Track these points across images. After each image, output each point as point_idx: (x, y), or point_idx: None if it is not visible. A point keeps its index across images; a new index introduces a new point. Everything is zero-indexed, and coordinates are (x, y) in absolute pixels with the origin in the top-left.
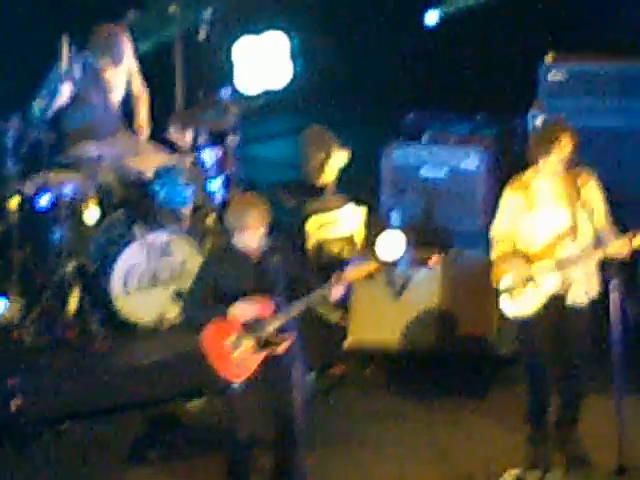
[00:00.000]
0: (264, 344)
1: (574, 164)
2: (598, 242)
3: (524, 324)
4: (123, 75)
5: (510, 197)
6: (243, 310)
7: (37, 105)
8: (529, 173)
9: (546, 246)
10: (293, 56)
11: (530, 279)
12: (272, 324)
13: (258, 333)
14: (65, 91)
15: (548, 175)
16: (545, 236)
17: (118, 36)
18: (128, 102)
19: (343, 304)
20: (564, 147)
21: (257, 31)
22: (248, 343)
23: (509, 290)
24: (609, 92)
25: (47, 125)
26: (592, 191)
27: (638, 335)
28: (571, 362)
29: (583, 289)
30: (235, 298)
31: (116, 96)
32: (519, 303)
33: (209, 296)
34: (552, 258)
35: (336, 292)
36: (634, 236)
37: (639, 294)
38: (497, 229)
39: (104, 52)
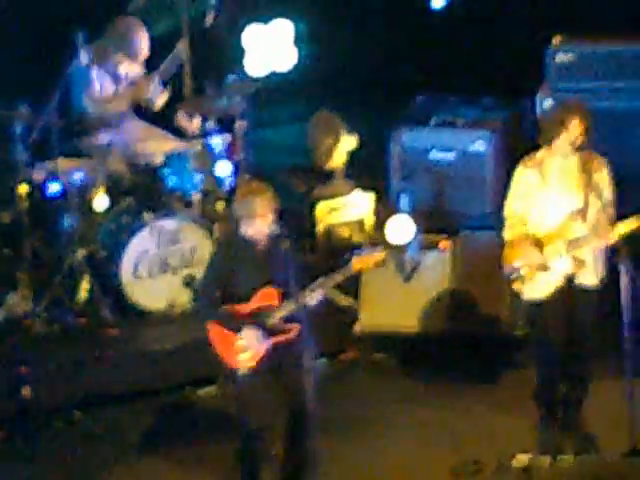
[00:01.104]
0: (270, 332)
1: (588, 147)
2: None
3: (534, 305)
4: (138, 68)
5: (524, 174)
6: (252, 333)
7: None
8: (542, 152)
9: (557, 227)
10: (299, 42)
11: (542, 267)
12: (279, 313)
13: (264, 322)
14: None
15: (560, 156)
16: (556, 216)
17: (135, 31)
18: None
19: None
20: (573, 128)
21: (264, 20)
22: (253, 332)
23: (520, 276)
24: (618, 74)
25: (57, 112)
26: (603, 178)
27: None
28: (580, 343)
29: (592, 270)
30: (244, 286)
31: (128, 86)
32: (530, 287)
33: (220, 286)
34: (562, 239)
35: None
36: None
37: None
38: (510, 207)
39: (120, 47)
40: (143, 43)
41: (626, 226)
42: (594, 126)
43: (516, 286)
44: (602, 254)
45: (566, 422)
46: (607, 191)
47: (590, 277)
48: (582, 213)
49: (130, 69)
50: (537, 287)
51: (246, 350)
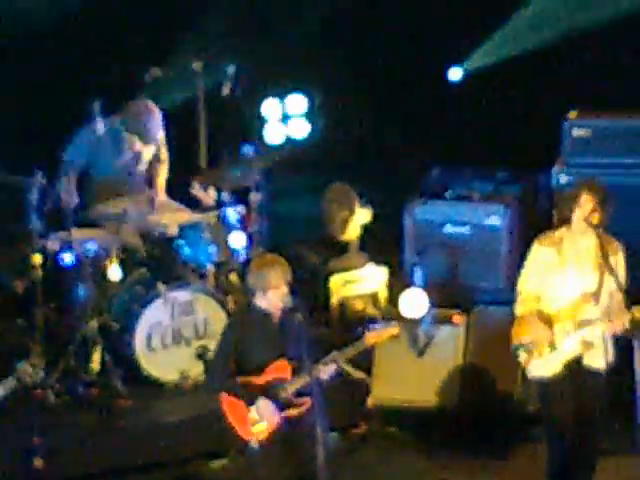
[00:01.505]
0: (283, 406)
1: (605, 228)
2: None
3: (544, 384)
4: (151, 149)
5: (540, 252)
6: (266, 405)
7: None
8: (561, 231)
9: (569, 306)
10: (314, 114)
11: (552, 345)
12: (291, 386)
13: (277, 395)
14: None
15: (578, 235)
16: (569, 296)
17: (150, 115)
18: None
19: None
20: (585, 203)
21: (281, 94)
22: (266, 405)
23: (528, 352)
24: (633, 149)
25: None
26: (619, 262)
27: None
28: (589, 423)
29: (601, 354)
30: (258, 359)
31: (142, 163)
32: (537, 365)
33: (233, 359)
34: (573, 319)
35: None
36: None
37: None
38: (524, 283)
39: (134, 129)
40: (156, 127)
41: (638, 312)
42: (610, 202)
43: (522, 362)
44: (611, 338)
45: None
46: (622, 275)
47: (598, 360)
48: (595, 295)
49: (143, 149)
50: (543, 365)
51: (259, 422)
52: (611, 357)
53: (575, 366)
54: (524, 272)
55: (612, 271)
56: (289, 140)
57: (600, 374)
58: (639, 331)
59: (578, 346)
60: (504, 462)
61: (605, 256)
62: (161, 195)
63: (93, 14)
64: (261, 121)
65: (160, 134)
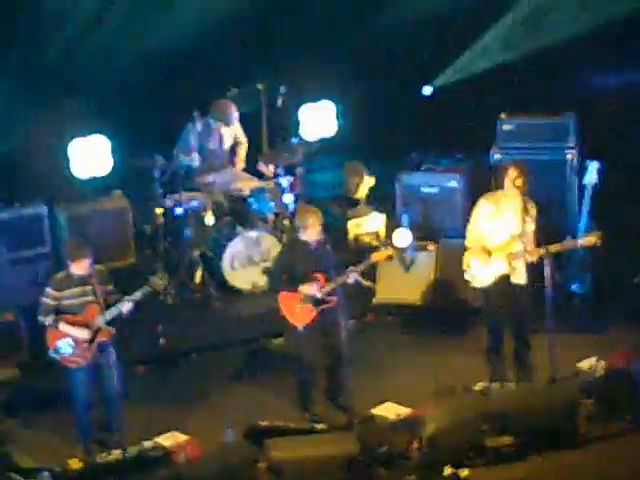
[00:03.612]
0: (318, 302)
1: (527, 192)
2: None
3: (485, 292)
4: (231, 131)
5: (484, 206)
6: (306, 288)
7: (179, 154)
8: (498, 193)
9: (502, 243)
10: (338, 116)
11: (488, 267)
12: (324, 289)
13: (315, 295)
14: (194, 143)
15: (509, 196)
16: (502, 236)
17: (229, 108)
18: (233, 147)
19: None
20: (511, 172)
21: (314, 99)
22: (308, 301)
23: (473, 270)
24: (541, 137)
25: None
26: (533, 214)
27: (561, 294)
28: (519, 316)
29: (522, 274)
30: (302, 272)
31: (226, 144)
32: (480, 278)
33: (285, 273)
34: (504, 252)
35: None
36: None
37: (561, 269)
38: (472, 226)
39: (220, 118)
40: (234, 117)
41: (544, 249)
42: (527, 172)
43: (468, 277)
44: (528, 263)
45: (516, 364)
46: (535, 224)
47: (521, 277)
48: (520, 236)
49: (225, 131)
50: (481, 280)
51: (302, 313)
52: (526, 276)
53: (506, 281)
54: (472, 219)
55: (529, 220)
56: (322, 139)
57: (523, 286)
58: (548, 257)
59: (506, 269)
60: (460, 337)
61: (524, 210)
62: (240, 167)
63: (196, 52)
64: (297, 122)
65: (236, 121)
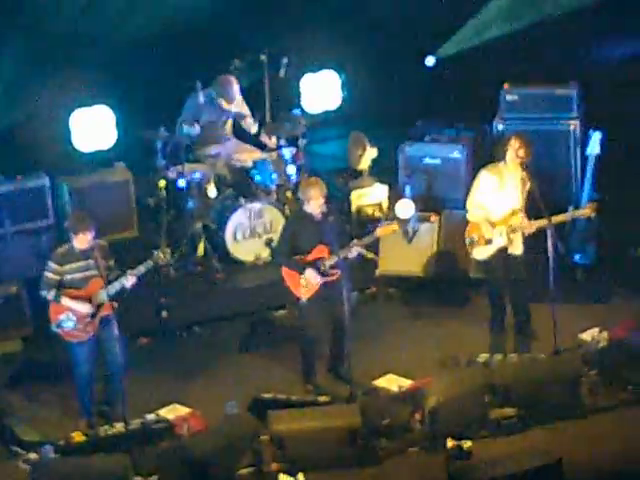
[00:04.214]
0: (322, 274)
1: (529, 163)
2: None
3: (485, 264)
4: (233, 106)
5: (486, 177)
6: (311, 274)
7: (182, 124)
8: (500, 164)
9: (503, 216)
10: (342, 87)
11: (488, 240)
12: (328, 262)
13: (319, 267)
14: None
15: (511, 168)
16: (504, 209)
17: (231, 84)
18: (237, 120)
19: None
20: (514, 143)
21: (315, 69)
22: (312, 273)
23: (474, 242)
24: (544, 108)
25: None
26: (527, 188)
27: (563, 263)
28: (517, 286)
29: (519, 245)
30: (306, 244)
31: (229, 117)
32: (481, 251)
33: (290, 245)
34: (506, 224)
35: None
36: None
37: (564, 240)
38: (473, 198)
39: (222, 94)
40: (235, 91)
41: (542, 222)
42: (529, 143)
43: (470, 249)
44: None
45: (517, 334)
46: (526, 199)
47: (517, 249)
48: (520, 209)
49: (227, 107)
50: (483, 252)
51: (307, 285)
52: (522, 247)
53: (504, 253)
54: (473, 189)
55: (529, 193)
56: (325, 111)
57: (519, 257)
58: (550, 228)
59: (505, 241)
60: (461, 308)
61: (524, 183)
62: (252, 130)
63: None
64: (299, 94)
65: (238, 96)
